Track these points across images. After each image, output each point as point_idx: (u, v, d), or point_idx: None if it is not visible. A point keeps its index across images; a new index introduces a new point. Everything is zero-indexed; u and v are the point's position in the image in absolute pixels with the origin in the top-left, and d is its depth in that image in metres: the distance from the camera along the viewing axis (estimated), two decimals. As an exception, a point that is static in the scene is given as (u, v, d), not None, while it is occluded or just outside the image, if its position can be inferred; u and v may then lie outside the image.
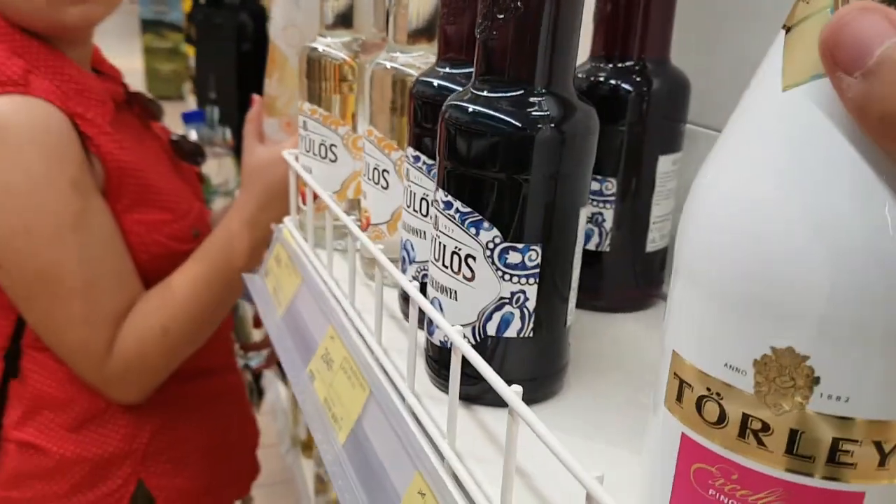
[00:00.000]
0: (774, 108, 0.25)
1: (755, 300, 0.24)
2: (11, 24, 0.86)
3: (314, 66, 0.63)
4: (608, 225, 0.54)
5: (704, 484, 0.27)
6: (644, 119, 0.52)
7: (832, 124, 0.23)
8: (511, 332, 0.42)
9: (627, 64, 0.53)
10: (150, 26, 6.77)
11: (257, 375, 1.50)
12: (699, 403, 0.27)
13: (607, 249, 0.54)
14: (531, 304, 0.41)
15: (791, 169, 0.24)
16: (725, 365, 0.26)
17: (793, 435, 0.25)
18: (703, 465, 0.27)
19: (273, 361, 1.45)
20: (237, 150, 0.98)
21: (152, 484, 0.96)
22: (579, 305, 0.54)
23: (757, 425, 0.25)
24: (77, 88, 0.89)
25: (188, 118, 1.18)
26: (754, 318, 0.25)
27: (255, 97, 0.96)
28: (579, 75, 0.54)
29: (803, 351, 0.24)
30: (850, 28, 0.21)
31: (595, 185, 0.54)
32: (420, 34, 0.53)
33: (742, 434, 0.26)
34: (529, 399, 0.43)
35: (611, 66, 0.54)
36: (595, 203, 0.54)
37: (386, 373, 0.46)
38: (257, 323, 1.53)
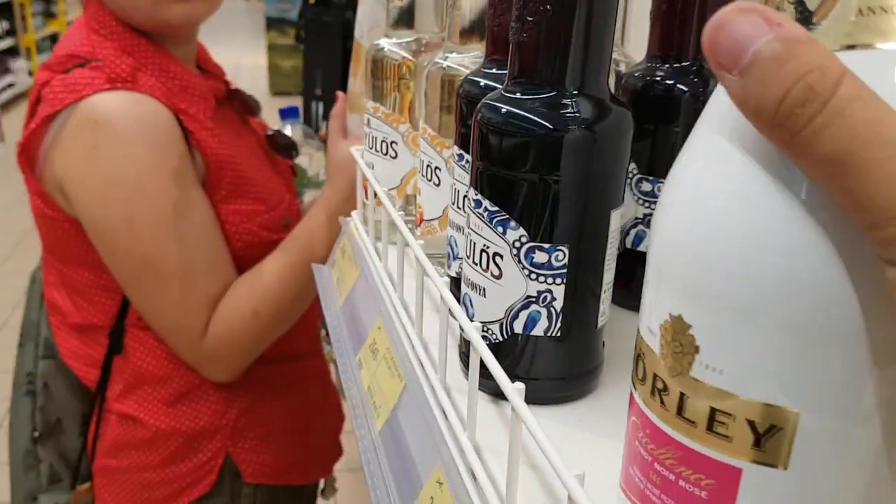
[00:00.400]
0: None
1: (659, 271, 0.28)
2: (122, 24, 0.93)
3: (378, 65, 0.65)
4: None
5: (634, 436, 0.30)
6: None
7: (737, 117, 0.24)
8: (538, 331, 0.42)
9: (683, 64, 0.52)
10: (274, 24, 7.07)
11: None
12: (635, 362, 0.30)
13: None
14: (558, 304, 0.41)
15: (692, 157, 0.27)
16: (648, 329, 0.28)
17: (681, 398, 0.27)
18: (634, 419, 0.30)
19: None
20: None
21: (239, 458, 1.02)
22: (622, 305, 0.54)
23: (660, 385, 0.28)
24: (181, 85, 0.95)
25: (284, 114, 1.24)
26: (660, 287, 0.28)
27: (339, 94, 0.99)
28: (634, 74, 0.54)
29: (687, 320, 0.26)
30: (727, 29, 0.22)
31: (647, 187, 0.53)
32: (472, 34, 0.54)
33: (652, 392, 0.28)
34: (559, 398, 0.44)
35: (667, 66, 0.53)
36: (647, 204, 0.53)
37: (421, 365, 0.47)
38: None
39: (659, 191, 0.53)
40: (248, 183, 1.00)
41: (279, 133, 1.18)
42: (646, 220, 0.54)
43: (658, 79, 0.52)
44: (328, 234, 0.95)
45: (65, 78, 0.89)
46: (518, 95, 0.41)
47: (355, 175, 0.94)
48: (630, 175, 0.54)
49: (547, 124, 0.39)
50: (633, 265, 0.54)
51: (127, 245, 0.89)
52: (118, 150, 0.87)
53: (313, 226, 0.96)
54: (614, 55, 0.57)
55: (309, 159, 1.30)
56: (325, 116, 1.98)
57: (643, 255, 0.53)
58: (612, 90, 0.45)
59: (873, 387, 0.24)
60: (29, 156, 0.91)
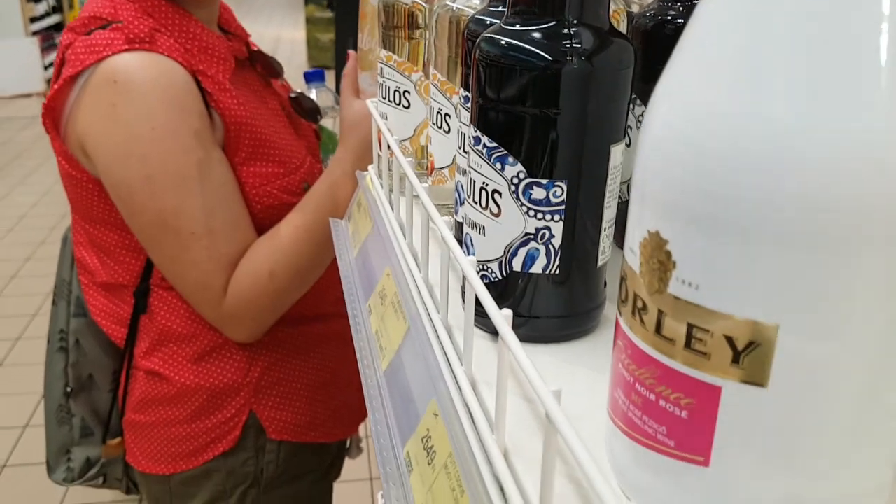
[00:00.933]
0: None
1: (638, 188, 0.28)
2: None
3: (389, 13, 0.64)
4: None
5: (618, 359, 0.30)
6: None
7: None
8: (537, 269, 0.42)
9: (696, 3, 0.51)
10: None
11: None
12: (619, 285, 0.30)
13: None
14: (556, 241, 0.41)
15: (677, 67, 0.27)
16: (629, 249, 0.28)
17: (660, 315, 0.27)
18: (619, 341, 0.30)
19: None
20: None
21: (263, 415, 1.04)
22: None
23: (640, 304, 0.28)
24: (200, 46, 0.96)
25: (309, 77, 1.24)
26: (639, 203, 0.28)
27: (351, 52, 0.99)
28: (646, 14, 0.53)
29: (665, 235, 0.26)
30: None
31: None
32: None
33: (633, 313, 0.28)
34: (559, 336, 0.43)
35: (678, 4, 0.51)
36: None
37: (425, 306, 0.47)
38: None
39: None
40: (267, 145, 1.00)
41: (303, 96, 1.18)
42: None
43: (669, 18, 0.51)
44: (343, 193, 0.95)
45: (87, 39, 0.90)
46: (517, 27, 0.40)
47: (368, 134, 0.95)
48: (641, 118, 0.53)
49: (545, 55, 0.39)
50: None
51: (145, 203, 0.90)
52: (136, 109, 0.88)
53: (328, 186, 0.97)
54: (626, -4, 0.56)
55: (334, 122, 1.31)
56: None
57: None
58: (624, 32, 0.44)
59: (855, 302, 0.24)
60: (54, 117, 0.93)
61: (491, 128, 0.41)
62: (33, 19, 6.47)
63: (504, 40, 0.40)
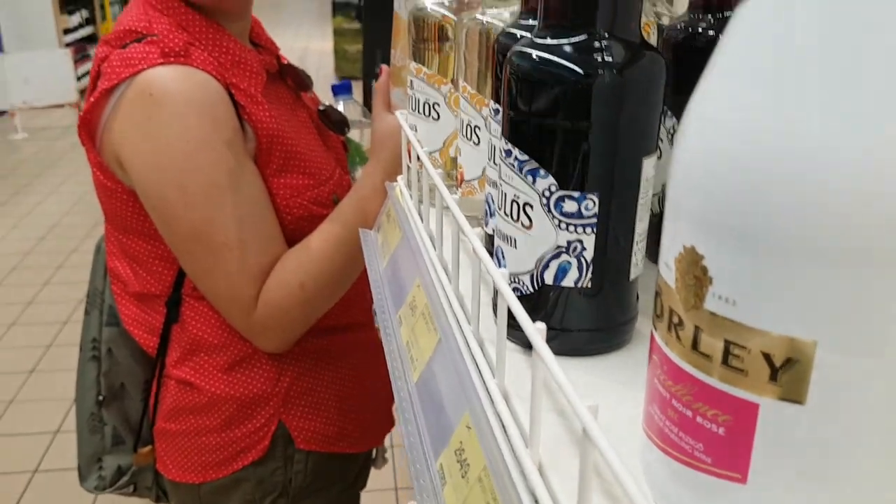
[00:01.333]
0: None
1: (673, 203, 0.27)
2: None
3: (419, 25, 0.65)
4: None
5: (653, 374, 0.30)
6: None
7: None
8: (568, 282, 0.42)
9: (727, 14, 0.50)
10: (340, 8, 7.24)
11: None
12: (654, 300, 0.30)
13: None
14: (588, 255, 0.41)
15: (712, 81, 0.26)
16: (665, 264, 0.28)
17: (696, 331, 0.26)
18: (654, 356, 0.30)
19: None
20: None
21: (291, 425, 1.04)
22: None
23: (676, 319, 0.27)
24: (233, 60, 0.97)
25: (337, 90, 1.25)
26: (674, 219, 0.27)
27: (384, 67, 1.00)
28: (677, 26, 0.52)
29: (701, 251, 0.26)
30: None
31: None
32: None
33: (669, 328, 0.28)
34: (591, 350, 0.43)
35: (709, 16, 0.51)
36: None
37: (456, 318, 0.47)
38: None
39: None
40: (298, 157, 1.01)
41: (331, 108, 1.19)
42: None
43: (700, 30, 0.51)
44: (373, 206, 0.96)
45: (122, 53, 0.92)
46: (548, 41, 0.40)
47: (399, 148, 0.95)
48: (672, 131, 0.53)
49: (576, 69, 0.39)
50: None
51: (179, 214, 0.91)
52: (170, 121, 0.90)
53: (359, 199, 0.97)
54: (657, 7, 0.56)
55: (361, 134, 1.32)
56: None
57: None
58: (654, 44, 0.44)
59: (893, 318, 0.24)
60: (90, 129, 0.95)
61: (522, 141, 0.41)
62: (67, 31, 6.62)
63: (535, 54, 0.40)
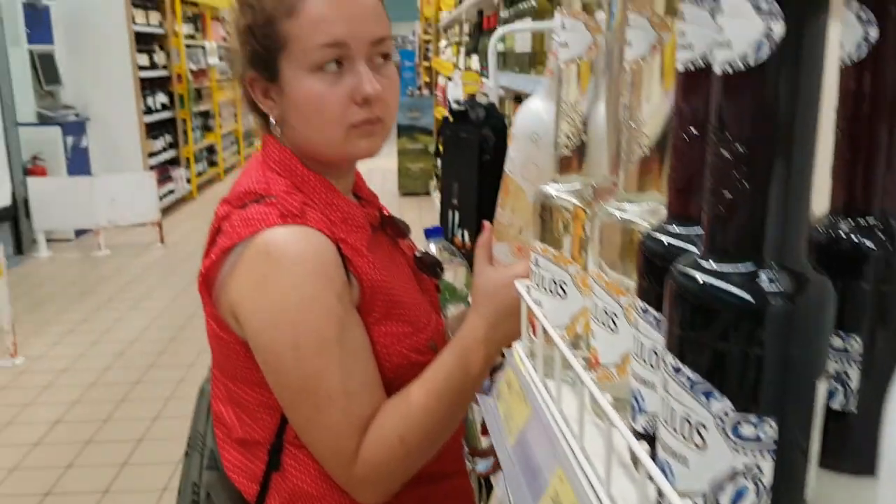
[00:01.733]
0: None
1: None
2: (296, 160, 1.01)
3: (546, 211, 0.67)
4: (853, 384, 0.51)
5: None
6: (891, 277, 0.50)
7: None
8: (744, 504, 0.41)
9: (868, 218, 0.51)
10: (404, 131, 7.73)
11: (486, 478, 1.54)
12: None
13: (854, 410, 0.51)
14: (767, 480, 0.40)
15: None
16: None
17: None
18: None
19: (499, 468, 1.48)
20: (471, 256, 1.07)
21: (387, 576, 1.02)
22: (821, 465, 0.52)
23: None
24: (342, 217, 1.02)
25: (429, 234, 1.30)
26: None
27: (486, 224, 1.03)
28: (817, 228, 0.53)
29: None
30: None
31: (838, 342, 0.52)
32: (648, 183, 0.55)
33: None
34: (765, 572, 0.42)
35: (849, 219, 0.52)
36: (837, 359, 0.52)
37: (614, 526, 0.47)
38: (485, 430, 1.58)
39: (849, 346, 0.51)
40: (398, 306, 1.04)
41: (426, 254, 1.23)
42: (838, 376, 0.52)
43: (843, 235, 0.52)
44: (475, 360, 0.97)
45: (242, 213, 0.98)
46: (714, 266, 0.42)
47: (503, 303, 0.97)
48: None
49: (748, 298, 0.40)
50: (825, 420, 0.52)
51: (290, 368, 0.94)
52: (286, 280, 0.94)
53: (461, 352, 0.98)
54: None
55: (453, 274, 1.35)
56: (461, 224, 2.05)
57: (835, 412, 0.52)
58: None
59: None
60: (208, 284, 0.99)
61: (693, 361, 0.41)
62: (151, 154, 7.06)
63: (703, 279, 0.41)
